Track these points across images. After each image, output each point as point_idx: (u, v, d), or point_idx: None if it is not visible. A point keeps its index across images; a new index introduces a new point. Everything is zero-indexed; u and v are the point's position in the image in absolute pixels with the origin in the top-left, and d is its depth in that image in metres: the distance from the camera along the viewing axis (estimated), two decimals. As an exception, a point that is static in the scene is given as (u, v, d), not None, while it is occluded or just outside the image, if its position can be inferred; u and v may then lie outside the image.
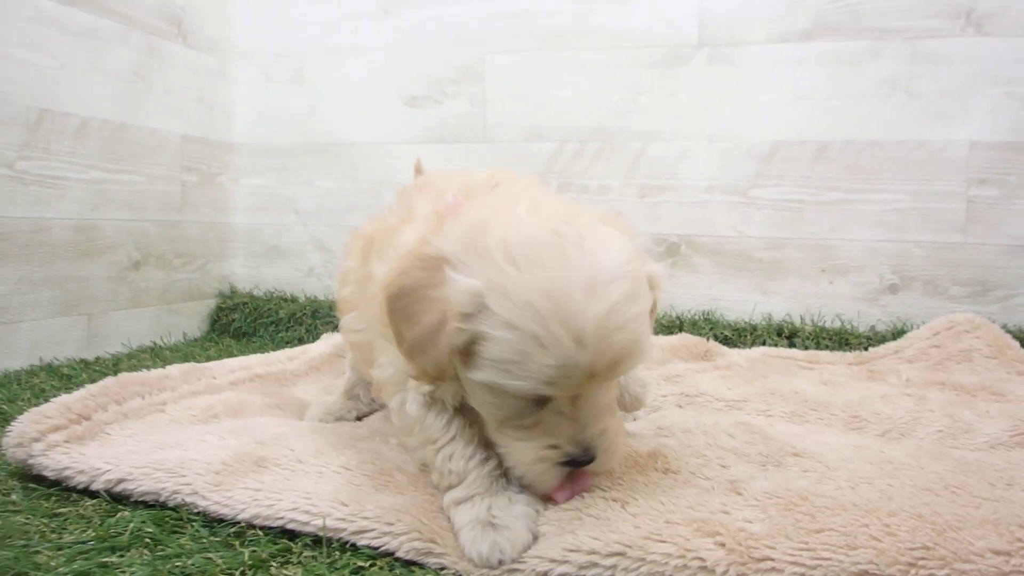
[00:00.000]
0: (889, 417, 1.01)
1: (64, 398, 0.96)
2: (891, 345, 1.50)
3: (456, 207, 0.75)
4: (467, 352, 0.66)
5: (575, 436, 0.69)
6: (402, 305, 0.67)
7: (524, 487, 0.74)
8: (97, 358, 1.74)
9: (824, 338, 1.73)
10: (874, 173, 1.76)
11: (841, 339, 1.72)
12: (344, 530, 0.73)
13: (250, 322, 2.09)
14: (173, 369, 1.14)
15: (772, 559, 0.60)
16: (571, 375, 0.64)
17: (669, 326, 1.81)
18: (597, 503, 0.72)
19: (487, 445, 0.76)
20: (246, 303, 2.13)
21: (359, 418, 1.10)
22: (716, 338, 1.73)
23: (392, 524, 0.71)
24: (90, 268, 1.75)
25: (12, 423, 0.92)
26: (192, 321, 2.10)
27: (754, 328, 1.78)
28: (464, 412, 0.78)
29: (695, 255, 1.88)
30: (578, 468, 0.72)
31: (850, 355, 1.52)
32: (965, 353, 1.34)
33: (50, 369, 1.57)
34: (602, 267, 0.65)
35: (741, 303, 1.86)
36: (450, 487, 0.75)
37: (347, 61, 2.10)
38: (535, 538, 0.70)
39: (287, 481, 0.80)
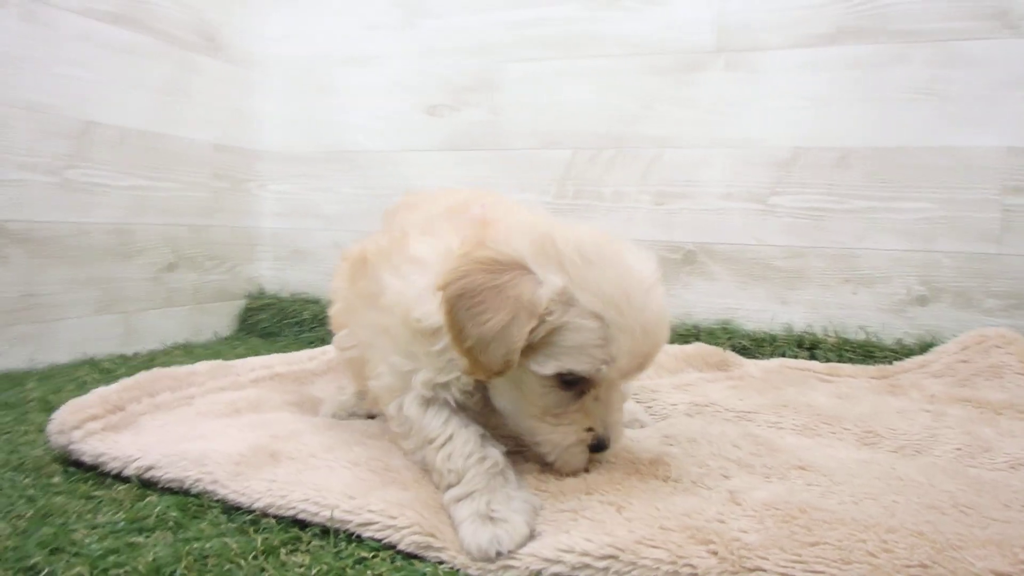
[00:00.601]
0: (904, 433, 1.00)
1: (102, 390, 1.02)
2: (917, 359, 1.47)
3: (483, 220, 0.82)
4: (536, 345, 0.73)
5: (606, 420, 0.79)
6: (466, 305, 0.72)
7: (558, 469, 0.81)
8: (135, 353, 1.81)
9: (847, 350, 1.71)
10: (901, 180, 1.73)
11: (865, 352, 1.70)
12: (350, 522, 0.76)
13: (276, 322, 2.14)
14: (201, 366, 1.19)
15: (764, 569, 0.61)
16: (633, 360, 0.75)
17: (685, 335, 1.80)
18: (594, 506, 0.74)
19: (484, 443, 0.79)
20: (272, 304, 2.19)
21: (371, 416, 1.13)
22: (734, 348, 1.72)
23: (395, 518, 0.74)
24: (128, 269, 1.83)
25: (54, 412, 0.97)
26: (222, 320, 2.17)
27: (773, 339, 1.77)
28: (462, 411, 0.81)
29: (712, 263, 1.88)
30: (596, 452, 0.81)
31: (873, 368, 1.50)
32: (995, 369, 1.31)
33: (92, 363, 1.65)
34: (649, 270, 0.77)
35: (759, 312, 1.85)
36: (450, 486, 0.78)
37: (369, 71, 2.15)
38: (533, 533, 0.72)
39: (299, 474, 0.83)
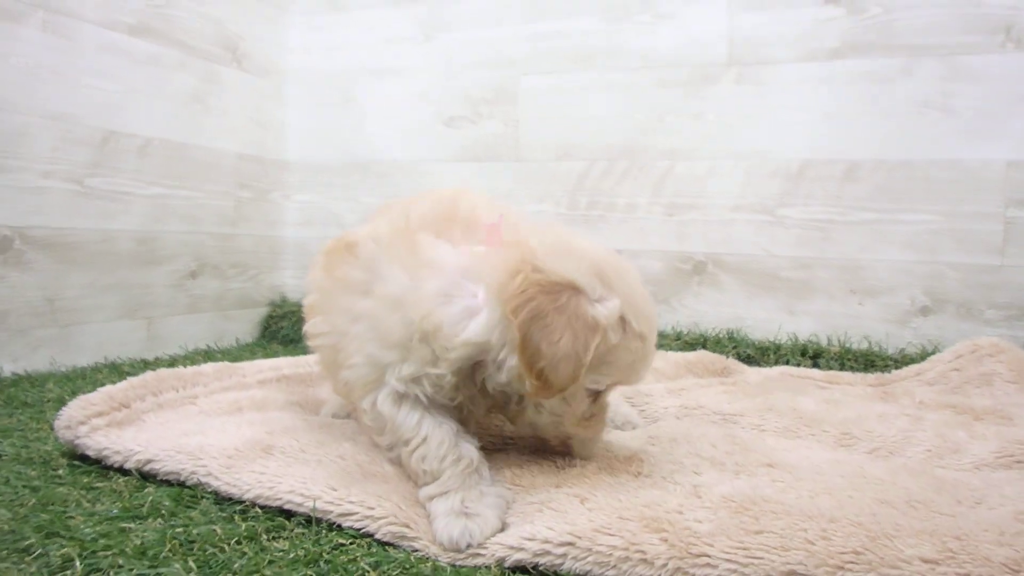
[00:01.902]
0: (880, 435, 1.02)
1: (108, 388, 1.08)
2: (913, 368, 1.48)
3: (496, 229, 0.85)
4: (592, 363, 0.78)
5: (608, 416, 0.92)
6: (539, 328, 0.75)
7: (584, 457, 0.91)
8: (156, 358, 1.89)
9: (849, 359, 1.71)
10: (906, 193, 1.74)
11: (867, 361, 1.70)
12: (331, 512, 0.80)
13: (297, 330, 2.21)
14: (207, 367, 1.25)
15: (708, 555, 0.64)
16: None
17: (692, 343, 1.82)
18: (560, 498, 0.77)
19: (458, 441, 0.83)
20: (295, 311, 2.26)
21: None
22: (739, 357, 1.74)
23: (373, 508, 0.78)
24: (151, 276, 1.91)
25: (62, 408, 1.04)
26: (244, 327, 2.24)
27: (778, 347, 1.78)
28: (434, 407, 0.84)
29: (721, 273, 1.90)
30: None
31: (871, 377, 1.51)
32: (985, 377, 1.31)
33: (112, 367, 1.72)
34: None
35: (766, 322, 1.86)
36: (425, 484, 0.81)
37: (390, 84, 2.22)
38: (504, 526, 0.76)
39: (288, 467, 0.88)
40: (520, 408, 0.86)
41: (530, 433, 0.92)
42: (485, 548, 0.72)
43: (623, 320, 0.80)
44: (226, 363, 1.29)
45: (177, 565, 0.70)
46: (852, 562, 0.60)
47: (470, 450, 0.83)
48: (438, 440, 0.82)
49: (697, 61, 1.89)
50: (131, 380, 1.12)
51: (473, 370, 0.84)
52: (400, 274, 0.83)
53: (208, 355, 1.97)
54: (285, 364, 1.35)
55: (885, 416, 1.09)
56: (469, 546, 0.73)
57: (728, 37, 1.87)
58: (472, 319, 0.80)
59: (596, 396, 0.86)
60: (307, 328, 0.96)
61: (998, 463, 0.90)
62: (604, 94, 1.98)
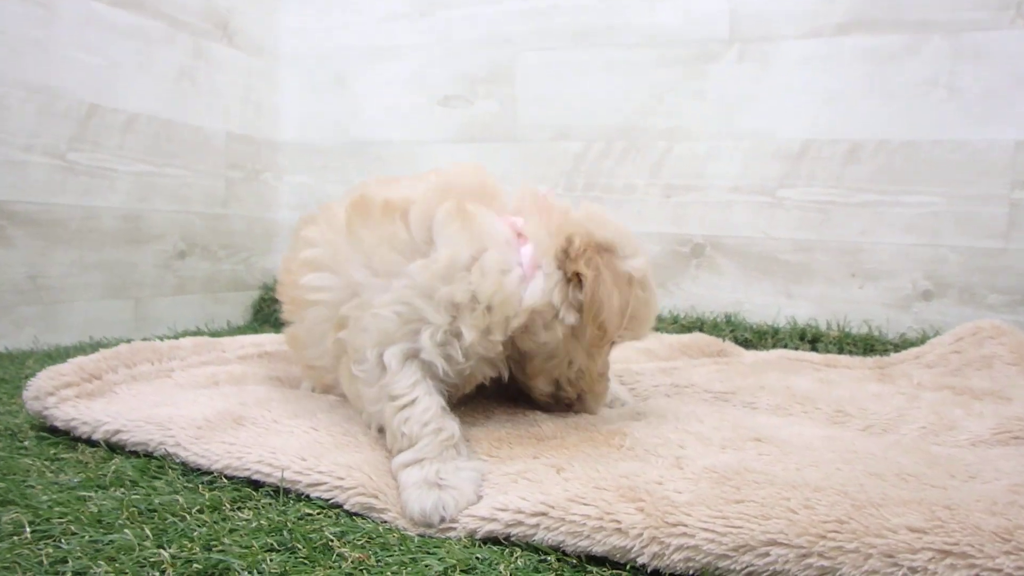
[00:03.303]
0: (875, 413, 0.98)
1: (79, 359, 1.05)
2: (912, 351, 1.44)
3: (544, 199, 0.93)
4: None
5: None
6: (601, 286, 0.85)
7: (593, 411, 0.97)
8: (144, 339, 1.86)
9: (848, 344, 1.67)
10: (909, 174, 1.69)
11: (867, 345, 1.66)
12: (300, 482, 0.77)
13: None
14: (185, 341, 1.22)
15: (685, 524, 0.60)
16: None
17: (689, 327, 1.79)
18: (537, 468, 0.74)
19: (443, 414, 0.81)
20: (287, 294, 2.23)
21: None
22: (736, 340, 1.70)
23: (343, 479, 0.75)
24: (138, 255, 1.88)
25: (31, 379, 1.01)
26: (236, 310, 2.21)
27: (776, 331, 1.74)
28: (434, 380, 0.83)
29: (720, 256, 1.86)
30: None
31: (870, 360, 1.47)
32: (986, 359, 1.27)
33: (97, 346, 1.69)
34: None
35: (765, 306, 1.82)
36: (400, 450, 0.78)
37: (384, 63, 2.19)
38: (479, 499, 0.72)
39: (259, 438, 0.85)
40: (551, 365, 0.92)
41: (547, 392, 0.96)
42: (456, 521, 0.69)
43: (644, 278, 0.90)
44: (206, 338, 1.26)
45: (131, 532, 0.67)
46: (835, 531, 0.56)
47: (453, 425, 0.81)
48: (425, 406, 0.80)
49: (698, 38, 1.85)
50: (104, 352, 1.09)
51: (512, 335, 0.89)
52: (464, 245, 0.85)
53: (197, 337, 1.94)
54: (267, 341, 1.32)
55: (880, 395, 1.05)
56: (443, 520, 0.70)
57: (730, 12, 1.82)
58: (528, 286, 0.86)
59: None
60: (309, 281, 0.92)
61: (995, 439, 0.86)
62: (602, 73, 1.94)
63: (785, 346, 1.69)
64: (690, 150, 1.86)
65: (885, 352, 1.59)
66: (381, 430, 0.83)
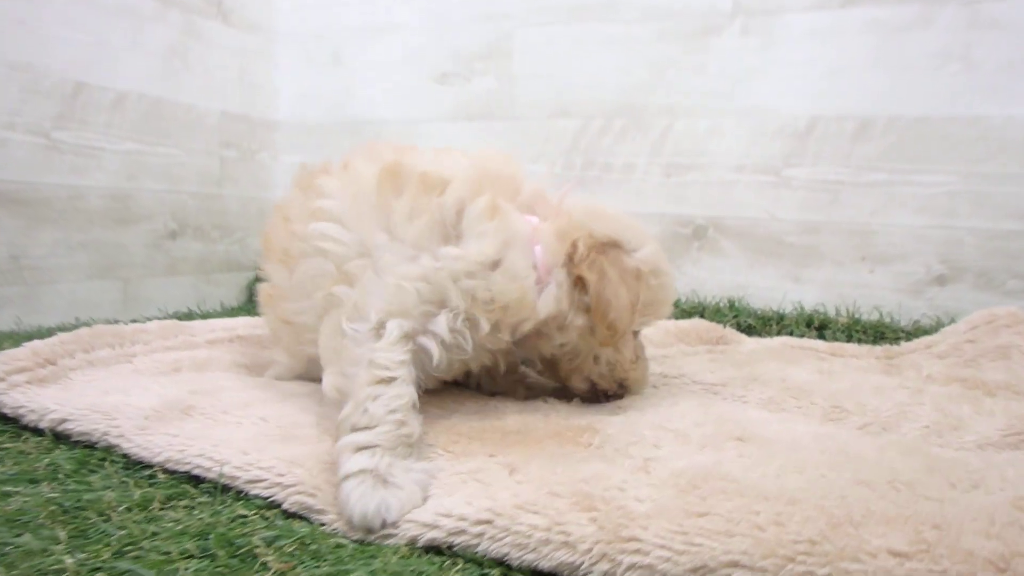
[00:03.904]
0: (874, 410, 0.90)
1: (35, 343, 1.01)
2: (924, 340, 1.36)
3: (554, 202, 0.94)
4: (641, 306, 0.90)
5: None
6: (605, 285, 0.85)
7: (635, 392, 0.97)
8: (133, 321, 1.82)
9: (858, 331, 1.59)
10: (922, 152, 1.59)
11: (877, 333, 1.58)
12: (239, 478, 0.72)
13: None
14: (151, 324, 1.17)
15: (640, 540, 0.54)
16: None
17: (690, 312, 1.71)
18: (490, 468, 0.68)
19: (413, 410, 0.75)
20: (281, 276, 2.18)
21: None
22: (739, 327, 1.63)
23: (283, 475, 0.70)
24: (126, 235, 1.84)
25: (-19, 364, 0.97)
26: (230, 292, 2.17)
27: (781, 317, 1.66)
28: (422, 372, 0.81)
29: (722, 238, 1.77)
30: None
31: (879, 349, 1.39)
32: (1002, 350, 1.19)
33: (81, 327, 1.66)
34: None
35: (770, 291, 1.74)
36: (355, 428, 0.70)
37: (381, 40, 2.12)
38: (424, 501, 0.66)
39: (206, 430, 0.81)
40: (577, 364, 0.93)
41: (584, 389, 0.95)
42: (396, 527, 0.64)
43: (656, 266, 0.90)
44: (174, 321, 1.22)
45: (44, 534, 0.62)
46: (805, 552, 0.49)
47: (416, 423, 0.74)
48: (399, 391, 0.74)
49: (699, 11, 1.75)
50: (62, 336, 1.04)
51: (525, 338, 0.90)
52: (493, 244, 0.84)
53: (189, 318, 1.91)
54: (241, 324, 1.28)
55: (882, 389, 0.98)
56: (383, 524, 0.63)
57: (734, -16, 1.72)
58: (542, 294, 0.86)
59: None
60: (320, 229, 0.88)
61: (1004, 442, 0.79)
62: (601, 48, 1.85)
63: (791, 333, 1.61)
64: (691, 127, 1.77)
65: (896, 340, 1.51)
66: (341, 395, 0.76)
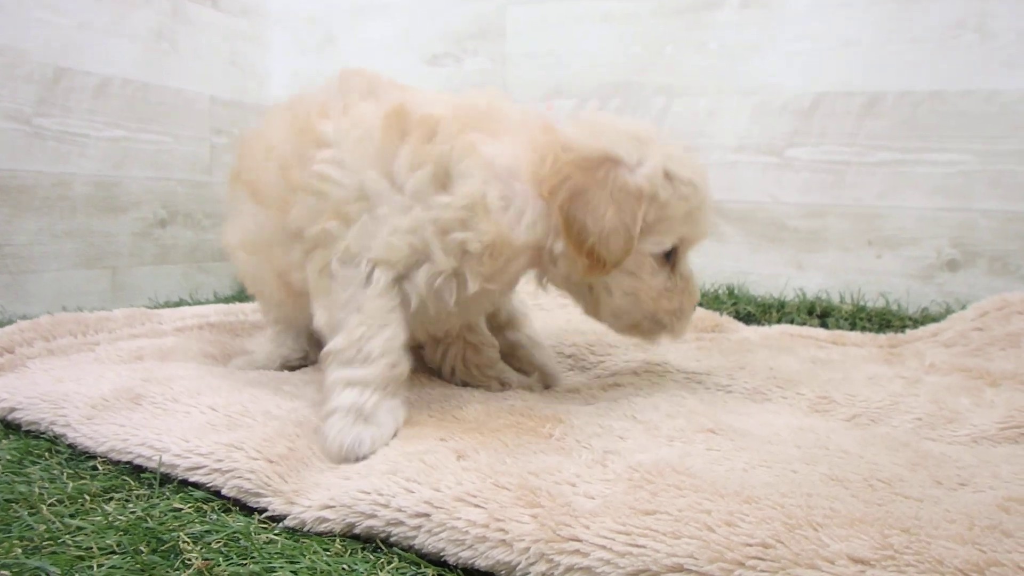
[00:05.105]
0: (864, 400, 0.84)
1: (-7, 331, 0.98)
2: (930, 327, 1.28)
3: (543, 123, 0.83)
4: (647, 227, 0.78)
5: (694, 286, 0.86)
6: (580, 205, 0.75)
7: (677, 336, 0.85)
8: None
9: (862, 319, 1.52)
10: (934, 129, 1.51)
11: (883, 320, 1.50)
12: (178, 466, 0.69)
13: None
14: (117, 312, 1.14)
15: (580, 540, 0.49)
16: (710, 222, 0.84)
17: (687, 299, 1.65)
18: (438, 450, 0.64)
19: (404, 350, 0.78)
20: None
21: (292, 369, 1.05)
22: (738, 315, 1.56)
23: (221, 461, 0.67)
24: (114, 224, 1.81)
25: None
26: (223, 280, 2.15)
27: (782, 305, 1.59)
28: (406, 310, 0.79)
29: (723, 223, 1.71)
30: None
31: (882, 337, 1.32)
32: (1012, 338, 1.12)
33: (68, 316, 1.64)
34: None
35: (772, 277, 1.67)
36: (348, 363, 0.74)
37: (373, 22, 2.07)
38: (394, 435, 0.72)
39: (153, 419, 0.77)
40: (594, 299, 0.83)
41: (620, 328, 0.86)
42: (334, 511, 0.60)
43: (668, 174, 0.78)
44: (140, 309, 1.19)
45: (-40, 529, 0.59)
46: (757, 557, 0.44)
47: (406, 363, 0.78)
48: (391, 335, 0.76)
49: (700, -17, 1.68)
50: (21, 323, 1.02)
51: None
52: (473, 183, 0.78)
53: (179, 308, 1.88)
54: (213, 311, 1.24)
55: (876, 379, 0.92)
56: (358, 459, 0.68)
57: (736, -47, 1.65)
58: (521, 220, 0.78)
59: (671, 265, 0.83)
60: (324, 171, 0.83)
61: (1002, 435, 0.72)
62: (596, 25, 1.79)
63: (791, 321, 1.54)
64: (691, 106, 1.71)
65: (902, 328, 1.44)
66: (332, 331, 0.77)
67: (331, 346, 0.75)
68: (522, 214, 0.78)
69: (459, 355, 0.96)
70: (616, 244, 0.75)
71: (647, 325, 0.84)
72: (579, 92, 1.82)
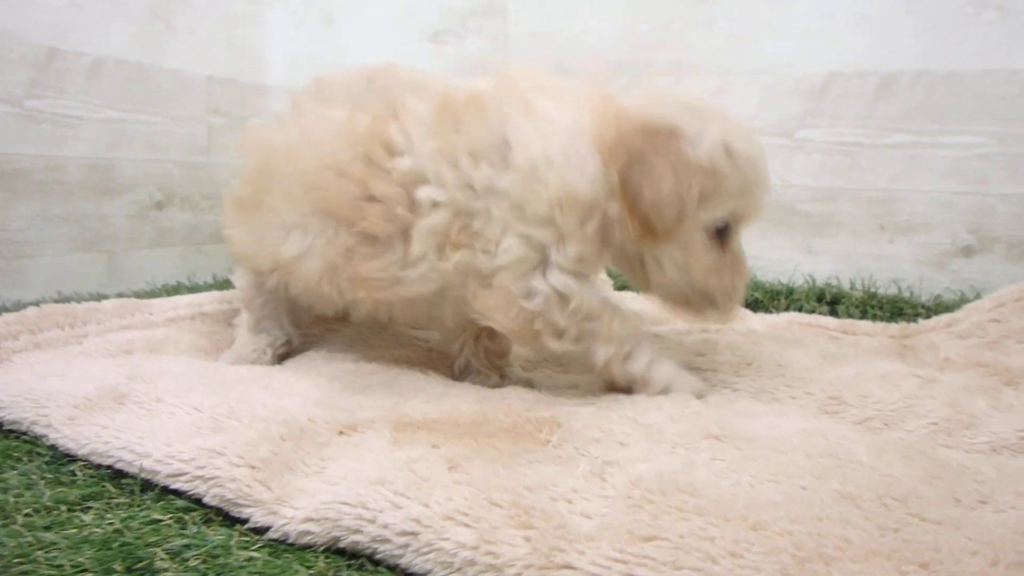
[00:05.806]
0: (878, 402, 0.81)
1: (-24, 324, 0.95)
2: (945, 317, 1.24)
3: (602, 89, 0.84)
4: (703, 198, 0.78)
5: (745, 267, 0.87)
6: (637, 171, 0.76)
7: (726, 315, 0.87)
8: (119, 294, 1.77)
9: (873, 306, 1.47)
10: (951, 111, 1.46)
11: (894, 308, 1.46)
12: (159, 472, 0.66)
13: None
14: (107, 303, 1.12)
15: (573, 568, 0.46)
16: (766, 199, 0.84)
17: (693, 286, 1.61)
18: (429, 459, 0.61)
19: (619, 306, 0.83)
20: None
21: (282, 358, 1.02)
22: (745, 301, 1.52)
23: (203, 468, 0.64)
24: (109, 207, 1.78)
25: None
26: (222, 263, 2.11)
27: (791, 291, 1.55)
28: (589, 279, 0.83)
29: (730, 207, 1.66)
30: None
31: (894, 327, 1.28)
32: (1031, 330, 1.08)
33: (67, 301, 1.60)
34: None
35: (781, 263, 1.63)
36: (628, 356, 0.81)
37: (372, 0, 2.02)
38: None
39: (136, 420, 0.74)
40: (645, 272, 0.84)
41: (670, 302, 0.87)
42: (318, 524, 0.57)
43: (727, 148, 0.78)
44: (132, 299, 1.16)
45: (-76, 545, 0.56)
46: (764, 592, 0.41)
47: (637, 319, 0.87)
48: (623, 316, 0.82)
49: (709, -43, 1.62)
50: (7, 316, 0.99)
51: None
52: (535, 137, 0.78)
53: (178, 291, 1.86)
54: (207, 300, 1.21)
55: (890, 376, 0.88)
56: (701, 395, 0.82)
57: (747, -72, 1.58)
58: (584, 174, 0.78)
59: (723, 243, 0.83)
60: (425, 194, 0.82)
61: (1022, 444, 0.69)
62: (602, 2, 1.73)
63: (800, 308, 1.50)
64: (698, 86, 1.65)
65: (914, 317, 1.40)
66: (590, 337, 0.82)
67: (607, 359, 0.82)
68: (584, 169, 0.78)
69: (473, 335, 0.93)
70: (670, 213, 0.76)
71: (697, 300, 0.84)
72: (584, 70, 1.76)
